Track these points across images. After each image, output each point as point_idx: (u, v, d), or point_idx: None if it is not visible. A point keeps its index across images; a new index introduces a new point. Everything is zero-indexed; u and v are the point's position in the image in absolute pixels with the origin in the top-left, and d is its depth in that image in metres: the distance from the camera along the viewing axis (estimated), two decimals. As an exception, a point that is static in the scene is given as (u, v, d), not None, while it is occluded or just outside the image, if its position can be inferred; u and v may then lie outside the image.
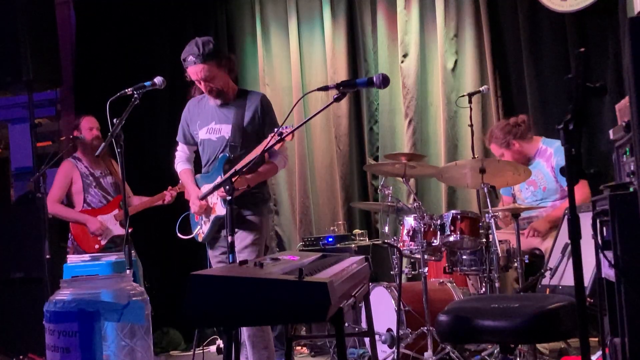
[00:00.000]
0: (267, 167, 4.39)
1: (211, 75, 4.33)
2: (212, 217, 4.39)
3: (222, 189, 4.22)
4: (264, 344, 4.23)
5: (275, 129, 3.97)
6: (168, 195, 5.73)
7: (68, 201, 5.99)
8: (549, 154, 5.39)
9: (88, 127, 5.95)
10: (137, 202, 6.00)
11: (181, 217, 4.63)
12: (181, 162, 4.67)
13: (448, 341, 4.50)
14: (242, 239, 4.33)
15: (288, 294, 2.37)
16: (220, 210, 4.31)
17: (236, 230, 4.30)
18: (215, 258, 4.47)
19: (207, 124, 4.46)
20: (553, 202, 5.36)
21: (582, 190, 5.10)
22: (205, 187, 4.41)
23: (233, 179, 3.75)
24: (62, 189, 5.96)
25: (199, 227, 4.48)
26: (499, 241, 4.79)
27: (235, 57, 4.58)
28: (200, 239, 4.50)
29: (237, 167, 4.07)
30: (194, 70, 4.31)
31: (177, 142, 4.72)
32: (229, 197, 3.55)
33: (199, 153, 4.64)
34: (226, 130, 4.39)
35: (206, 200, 4.38)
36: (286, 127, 3.98)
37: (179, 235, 4.59)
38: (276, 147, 4.15)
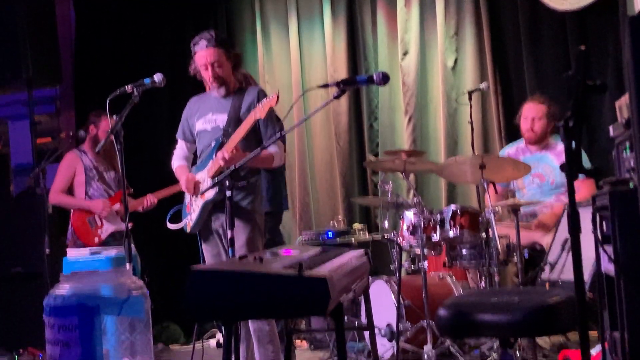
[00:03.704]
0: (263, 153, 4.26)
1: (220, 62, 4.33)
2: (200, 202, 4.34)
3: (209, 170, 4.24)
4: (269, 339, 4.23)
5: (264, 100, 4.00)
6: (145, 202, 5.87)
7: (70, 193, 5.97)
8: (560, 149, 5.39)
9: (107, 129, 5.89)
10: (131, 203, 5.99)
11: (173, 210, 4.61)
12: (177, 160, 4.64)
13: (448, 335, 4.50)
14: (237, 233, 4.29)
15: (288, 289, 2.38)
16: (209, 193, 4.28)
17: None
18: (209, 252, 4.43)
19: (204, 115, 4.46)
20: (557, 195, 5.36)
21: (589, 188, 5.10)
22: (198, 175, 4.40)
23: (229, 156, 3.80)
24: (65, 179, 5.94)
25: (188, 216, 4.46)
26: (499, 236, 4.79)
27: (242, 55, 4.57)
28: (188, 229, 4.46)
29: (228, 146, 4.08)
30: (204, 54, 4.31)
31: (176, 139, 4.70)
32: (228, 193, 3.55)
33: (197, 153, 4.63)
34: (221, 120, 4.37)
35: (197, 181, 4.37)
36: (268, 98, 4.02)
37: (168, 225, 4.56)
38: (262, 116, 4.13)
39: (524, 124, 5.55)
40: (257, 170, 4.45)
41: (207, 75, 4.37)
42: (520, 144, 5.67)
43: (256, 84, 5.22)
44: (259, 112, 4.03)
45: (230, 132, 4.27)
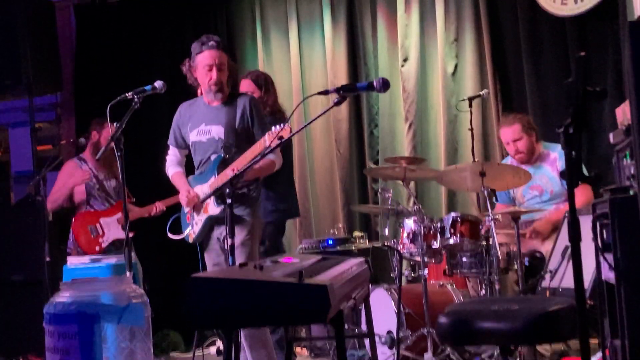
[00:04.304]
0: (262, 163, 4.22)
1: (224, 66, 4.37)
2: (204, 216, 4.36)
3: (211, 186, 4.25)
4: (262, 343, 4.22)
5: (274, 128, 3.96)
6: (154, 208, 5.86)
7: (70, 201, 5.97)
8: (553, 158, 5.39)
9: (109, 137, 5.85)
10: (135, 209, 5.98)
11: (172, 218, 4.63)
12: (172, 166, 4.65)
13: (448, 343, 4.49)
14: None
15: (288, 296, 2.37)
16: (213, 210, 4.28)
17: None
18: (211, 260, 4.45)
19: (197, 126, 4.46)
20: (557, 204, 5.35)
21: (586, 194, 5.10)
22: (198, 188, 4.41)
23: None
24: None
25: (189, 227, 4.46)
26: (499, 244, 4.79)
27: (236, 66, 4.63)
28: (190, 240, 4.47)
29: (234, 166, 4.07)
30: (213, 55, 4.32)
31: (168, 145, 4.70)
32: (228, 200, 3.55)
33: (190, 156, 4.63)
34: (216, 131, 4.37)
35: (197, 194, 4.38)
36: (279, 127, 3.96)
37: (169, 235, 4.58)
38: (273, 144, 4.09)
39: (509, 150, 5.54)
40: (254, 181, 4.46)
41: (208, 77, 4.37)
42: None
43: (267, 90, 5.23)
44: (269, 141, 3.99)
45: (230, 147, 4.29)
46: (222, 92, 4.42)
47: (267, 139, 3.98)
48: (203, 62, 4.35)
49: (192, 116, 4.51)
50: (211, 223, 4.36)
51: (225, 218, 3.54)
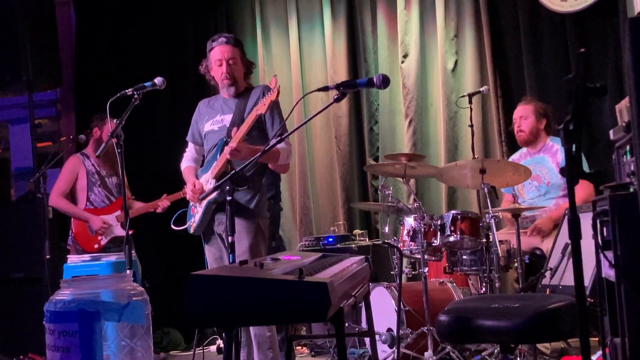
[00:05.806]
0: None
1: (235, 60, 4.41)
2: (204, 203, 4.35)
3: (213, 171, 4.26)
4: (270, 344, 4.22)
5: (265, 96, 4.02)
6: (160, 205, 5.80)
7: (72, 198, 5.96)
8: (555, 150, 5.40)
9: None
10: (138, 205, 5.98)
11: (178, 213, 4.62)
12: (186, 161, 4.68)
13: (448, 341, 4.49)
14: (240, 239, 4.26)
15: (288, 294, 2.36)
16: (214, 194, 4.27)
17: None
18: (212, 255, 4.43)
19: (212, 118, 4.49)
20: (556, 199, 5.35)
21: (585, 188, 5.09)
22: (203, 177, 4.40)
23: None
24: (66, 183, 5.93)
25: (192, 218, 4.46)
26: (499, 241, 4.79)
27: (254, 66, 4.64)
28: (191, 230, 4.46)
29: (232, 143, 4.09)
30: (222, 50, 4.38)
31: (186, 142, 4.72)
32: (228, 198, 3.53)
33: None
34: (227, 120, 4.40)
35: (201, 185, 4.37)
36: (269, 94, 4.05)
37: (172, 227, 4.57)
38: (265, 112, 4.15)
39: (515, 127, 5.58)
40: (263, 172, 4.45)
41: (220, 72, 4.40)
42: (524, 150, 5.67)
43: None
44: (261, 108, 4.06)
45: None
46: (236, 85, 4.44)
47: (259, 107, 4.08)
48: (214, 58, 4.42)
49: (209, 110, 4.55)
50: (212, 209, 4.34)
51: (226, 216, 3.51)
